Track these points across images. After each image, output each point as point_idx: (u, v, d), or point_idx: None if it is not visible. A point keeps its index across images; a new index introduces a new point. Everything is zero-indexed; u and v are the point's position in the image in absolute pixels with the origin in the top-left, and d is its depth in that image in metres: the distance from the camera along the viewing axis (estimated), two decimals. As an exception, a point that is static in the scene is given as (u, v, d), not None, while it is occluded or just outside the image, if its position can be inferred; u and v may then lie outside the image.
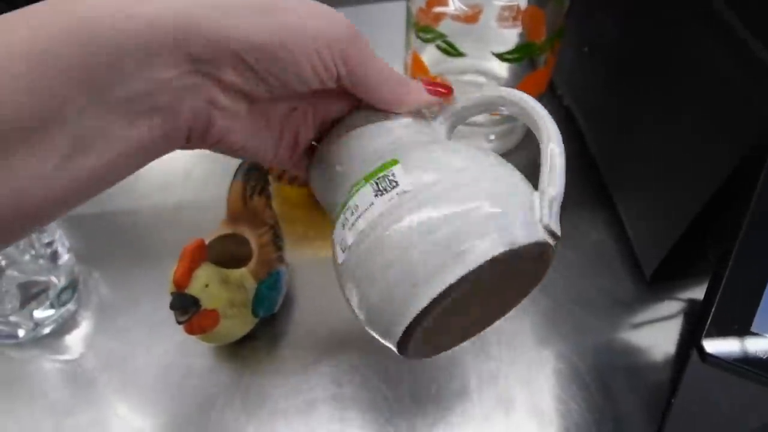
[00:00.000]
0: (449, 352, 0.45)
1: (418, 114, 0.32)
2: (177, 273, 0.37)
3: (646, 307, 0.48)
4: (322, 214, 0.55)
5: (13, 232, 0.22)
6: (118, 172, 0.24)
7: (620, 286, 0.49)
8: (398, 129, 0.31)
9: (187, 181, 0.58)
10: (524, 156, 0.59)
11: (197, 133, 0.26)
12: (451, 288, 0.25)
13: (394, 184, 0.28)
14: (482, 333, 0.45)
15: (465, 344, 0.45)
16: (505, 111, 0.32)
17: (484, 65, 0.56)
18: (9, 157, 0.20)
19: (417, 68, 0.53)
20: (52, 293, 0.46)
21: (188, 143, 0.26)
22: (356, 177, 0.30)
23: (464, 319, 0.31)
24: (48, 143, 0.21)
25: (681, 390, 0.35)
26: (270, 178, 0.48)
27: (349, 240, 0.28)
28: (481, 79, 0.57)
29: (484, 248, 0.26)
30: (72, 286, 0.48)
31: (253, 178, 0.44)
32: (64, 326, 0.48)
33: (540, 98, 0.53)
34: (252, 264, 0.43)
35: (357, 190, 0.29)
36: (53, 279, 0.47)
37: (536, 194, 0.29)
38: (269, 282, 0.44)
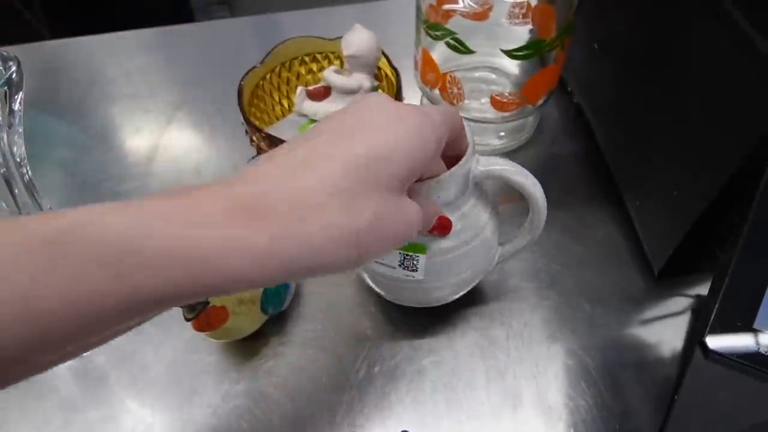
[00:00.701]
0: (458, 345, 0.45)
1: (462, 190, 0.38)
2: (186, 269, 0.37)
3: (655, 302, 0.48)
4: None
5: None
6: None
7: (629, 282, 0.49)
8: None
9: (198, 177, 0.58)
10: (533, 154, 0.59)
11: None
12: None
13: (415, 269, 0.39)
14: (489, 328, 0.46)
15: (473, 339, 0.46)
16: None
17: (494, 62, 0.56)
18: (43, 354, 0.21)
19: (427, 65, 0.53)
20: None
21: None
22: None
23: None
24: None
25: (684, 386, 0.35)
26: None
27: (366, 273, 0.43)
28: (491, 75, 0.57)
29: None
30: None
31: (263, 174, 0.44)
32: (77, 321, 0.48)
33: (550, 95, 0.54)
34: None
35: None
36: (66, 275, 0.47)
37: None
38: (278, 278, 0.44)
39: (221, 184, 0.25)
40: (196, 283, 0.23)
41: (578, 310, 0.47)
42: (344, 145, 0.27)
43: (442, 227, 0.37)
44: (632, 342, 0.46)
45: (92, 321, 0.21)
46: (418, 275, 0.40)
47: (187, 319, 0.38)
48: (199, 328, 0.40)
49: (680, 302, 0.48)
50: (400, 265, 0.40)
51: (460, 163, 0.35)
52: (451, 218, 0.37)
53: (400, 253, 0.39)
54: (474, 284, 0.44)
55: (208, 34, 0.74)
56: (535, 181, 0.38)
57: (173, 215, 0.23)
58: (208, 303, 0.38)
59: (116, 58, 0.71)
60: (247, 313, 0.42)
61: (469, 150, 0.35)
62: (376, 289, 0.45)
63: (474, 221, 0.39)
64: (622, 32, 0.50)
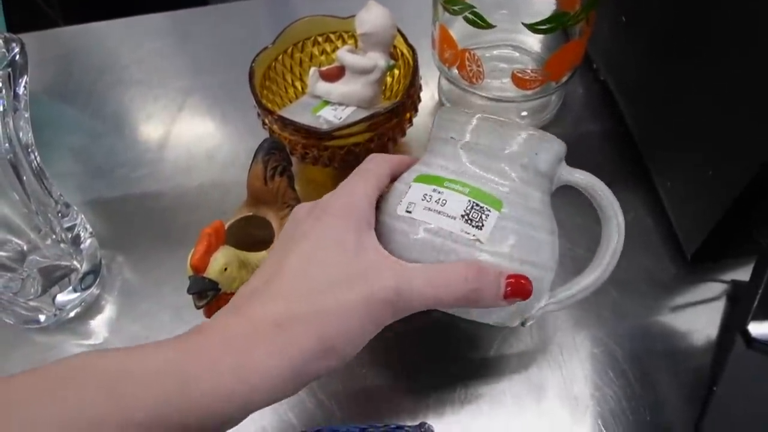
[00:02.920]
0: (479, 334, 0.44)
1: (548, 171, 0.36)
2: (194, 257, 0.36)
3: (687, 288, 0.46)
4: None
5: None
6: None
7: (659, 267, 0.47)
8: (529, 176, 0.35)
9: (210, 163, 0.57)
10: (556, 134, 0.56)
11: None
12: None
13: (480, 226, 0.32)
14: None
15: (494, 327, 0.44)
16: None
17: (516, 37, 0.54)
18: None
19: (445, 43, 0.51)
20: (74, 278, 0.46)
21: None
22: (467, 177, 0.34)
23: None
24: None
25: (724, 377, 0.33)
26: (293, 158, 0.47)
27: (417, 213, 0.33)
28: (513, 53, 0.55)
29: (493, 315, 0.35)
30: (95, 271, 0.48)
31: (274, 158, 0.43)
32: (88, 310, 0.48)
33: (574, 71, 0.51)
34: (273, 246, 0.42)
35: (456, 190, 0.33)
36: (75, 263, 0.46)
37: (545, 295, 0.36)
38: (292, 265, 0.42)
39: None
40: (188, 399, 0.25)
41: (605, 296, 0.45)
42: (274, 278, 0.30)
43: (520, 289, 0.32)
44: (663, 330, 0.44)
45: None
46: (481, 235, 0.32)
47: (198, 307, 0.37)
48: (210, 315, 0.39)
49: (714, 288, 0.45)
50: (464, 216, 0.32)
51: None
52: (534, 194, 0.35)
53: (469, 199, 0.32)
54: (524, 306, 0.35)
55: (221, 16, 0.73)
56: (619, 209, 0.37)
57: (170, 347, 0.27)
58: (219, 290, 0.37)
59: (128, 43, 0.70)
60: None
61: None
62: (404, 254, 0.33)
63: (549, 214, 0.36)
64: (653, 4, 0.47)
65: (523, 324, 0.37)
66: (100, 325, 0.47)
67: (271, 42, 0.52)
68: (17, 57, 0.38)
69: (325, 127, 0.47)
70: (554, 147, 0.36)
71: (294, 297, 0.28)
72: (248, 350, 0.26)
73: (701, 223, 0.43)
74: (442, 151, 0.36)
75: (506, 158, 0.34)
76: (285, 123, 0.46)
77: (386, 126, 0.47)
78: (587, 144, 0.56)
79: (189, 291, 0.36)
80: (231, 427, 0.26)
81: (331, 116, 0.50)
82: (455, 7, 0.47)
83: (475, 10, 0.46)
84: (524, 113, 0.56)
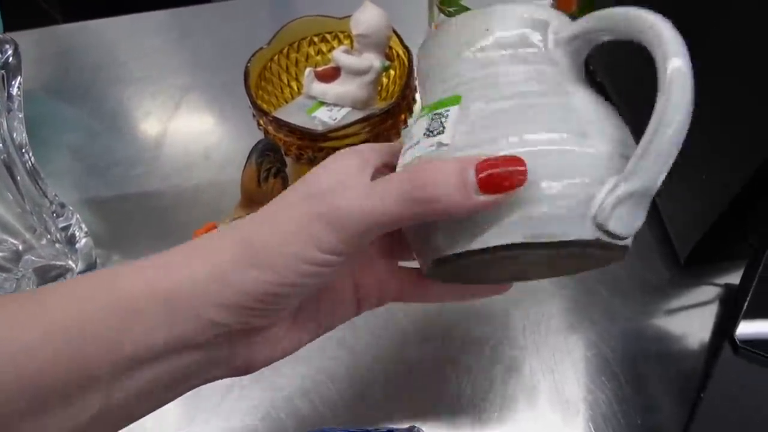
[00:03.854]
0: (471, 336, 0.44)
1: (524, 40, 0.27)
2: (186, 259, 0.36)
3: (680, 291, 0.46)
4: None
5: None
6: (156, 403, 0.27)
7: (652, 269, 0.47)
8: (491, 54, 0.27)
9: (206, 163, 0.57)
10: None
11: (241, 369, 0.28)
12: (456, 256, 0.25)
13: (441, 130, 0.25)
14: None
15: (487, 329, 0.44)
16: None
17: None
18: (45, 414, 0.22)
19: (439, 43, 0.51)
20: (69, 277, 0.46)
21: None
22: (428, 99, 0.28)
23: (499, 270, 0.28)
24: (82, 402, 0.23)
25: (711, 382, 0.33)
26: (288, 159, 0.47)
27: (397, 164, 0.27)
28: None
29: (498, 232, 0.24)
30: (90, 270, 0.48)
31: (268, 160, 0.43)
32: (84, 310, 0.48)
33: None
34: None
35: (421, 116, 0.27)
36: (71, 263, 0.46)
37: (610, 181, 0.23)
38: (285, 266, 0.42)
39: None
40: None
41: (598, 298, 0.45)
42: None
43: (501, 174, 0.22)
44: (655, 333, 0.44)
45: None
46: (444, 138, 0.25)
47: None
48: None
49: (707, 291, 0.45)
50: (426, 133, 0.26)
51: None
52: (515, 69, 0.26)
53: (429, 114, 0.26)
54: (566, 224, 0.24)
55: (220, 14, 0.73)
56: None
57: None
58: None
59: (127, 41, 0.70)
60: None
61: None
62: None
63: (550, 78, 0.26)
64: (652, 5, 0.47)
65: (611, 239, 0.24)
66: (95, 324, 0.47)
67: (267, 42, 0.52)
68: (10, 59, 0.38)
69: (320, 128, 0.47)
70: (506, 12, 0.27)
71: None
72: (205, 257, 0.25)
73: (695, 227, 0.43)
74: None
75: (457, 53, 0.28)
76: (280, 124, 0.46)
77: (381, 127, 0.47)
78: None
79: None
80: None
81: (326, 117, 0.50)
82: (451, 9, 0.47)
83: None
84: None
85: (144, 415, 0.26)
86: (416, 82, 0.32)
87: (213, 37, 0.70)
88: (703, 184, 0.41)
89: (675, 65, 0.23)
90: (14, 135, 0.40)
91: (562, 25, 0.27)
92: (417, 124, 0.27)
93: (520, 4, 0.28)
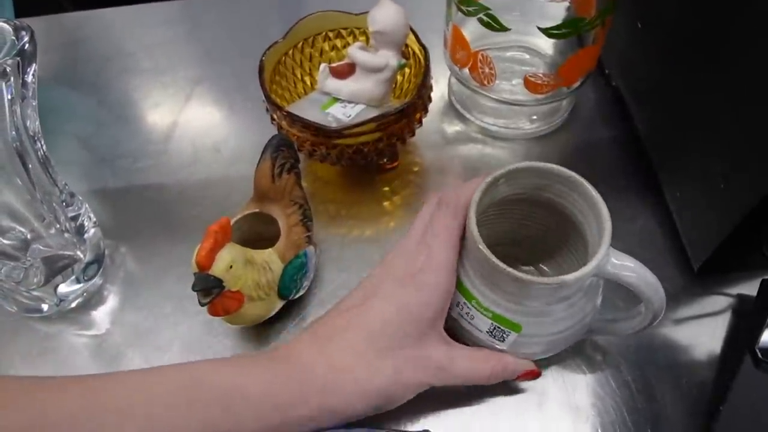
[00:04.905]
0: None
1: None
2: (199, 254, 0.35)
3: (693, 300, 0.45)
4: (354, 194, 0.53)
5: None
6: None
7: (665, 278, 0.45)
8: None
9: (216, 156, 0.57)
10: (566, 139, 0.56)
11: None
12: None
13: (502, 340, 0.38)
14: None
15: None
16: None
17: (529, 41, 0.53)
18: None
19: (458, 43, 0.50)
20: (77, 268, 0.46)
21: None
22: (490, 302, 0.36)
23: None
24: None
25: (731, 396, 0.33)
26: (301, 155, 0.47)
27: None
28: (525, 55, 0.54)
29: None
30: (98, 261, 0.48)
31: (282, 155, 0.42)
32: (91, 301, 0.48)
33: (587, 77, 0.51)
34: (279, 244, 0.42)
35: (480, 312, 0.37)
36: (79, 253, 0.46)
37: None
38: (296, 263, 0.42)
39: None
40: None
41: (609, 306, 0.45)
42: (361, 314, 0.36)
43: (528, 377, 0.40)
44: (667, 342, 0.43)
45: None
46: (502, 346, 0.38)
47: (202, 304, 0.37)
48: (214, 313, 0.38)
49: (720, 301, 0.45)
50: (488, 332, 0.38)
51: (590, 264, 0.33)
52: (559, 308, 0.35)
53: (492, 322, 0.37)
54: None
55: (233, 5, 0.72)
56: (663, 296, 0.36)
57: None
58: (223, 287, 0.37)
59: (138, 30, 0.70)
60: (264, 299, 0.40)
61: (602, 250, 0.33)
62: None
63: (580, 309, 0.37)
64: (670, 10, 0.47)
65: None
66: (102, 315, 0.47)
67: (282, 34, 0.51)
68: (26, 45, 0.38)
69: (333, 124, 0.47)
70: (576, 283, 0.34)
71: (366, 346, 0.36)
72: (330, 392, 0.35)
73: (710, 236, 0.42)
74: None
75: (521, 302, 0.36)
76: (294, 120, 0.45)
77: (396, 126, 0.47)
78: (596, 150, 0.55)
79: (194, 288, 0.36)
80: None
81: (340, 114, 0.49)
82: (470, 8, 0.47)
83: (490, 12, 0.46)
84: (534, 117, 0.55)
85: None
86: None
87: (223, 29, 0.69)
88: (721, 194, 0.41)
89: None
90: (27, 123, 0.40)
91: None
92: (477, 316, 0.38)
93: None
